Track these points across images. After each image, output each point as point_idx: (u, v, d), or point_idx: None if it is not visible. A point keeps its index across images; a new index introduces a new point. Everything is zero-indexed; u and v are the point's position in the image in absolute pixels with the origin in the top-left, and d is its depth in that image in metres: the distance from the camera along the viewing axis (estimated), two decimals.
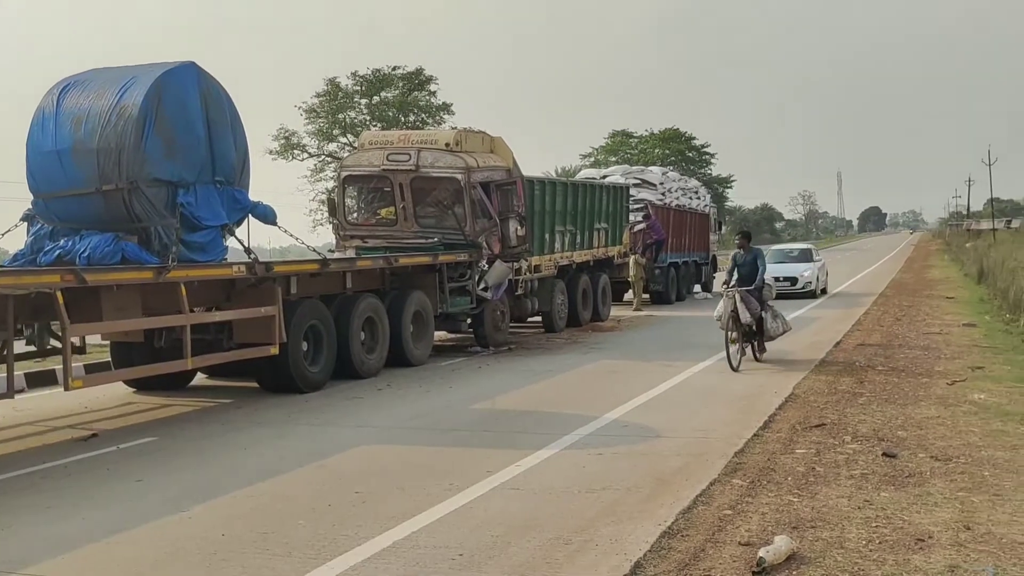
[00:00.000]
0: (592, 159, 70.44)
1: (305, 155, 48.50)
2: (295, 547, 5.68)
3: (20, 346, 9.80)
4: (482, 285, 15.53)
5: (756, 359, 13.24)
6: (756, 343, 13.33)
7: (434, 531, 5.91)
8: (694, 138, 78.14)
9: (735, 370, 12.28)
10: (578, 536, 5.74)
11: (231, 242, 11.46)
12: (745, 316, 12.66)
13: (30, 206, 10.57)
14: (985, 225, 74.48)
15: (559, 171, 66.01)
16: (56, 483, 7.53)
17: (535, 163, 72.52)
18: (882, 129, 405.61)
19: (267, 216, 11.69)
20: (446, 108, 49.31)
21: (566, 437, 8.57)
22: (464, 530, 5.91)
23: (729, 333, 12.63)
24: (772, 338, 13.39)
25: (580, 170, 44.47)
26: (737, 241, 14.13)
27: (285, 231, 12.70)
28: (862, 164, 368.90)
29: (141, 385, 12.03)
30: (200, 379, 12.90)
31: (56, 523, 6.37)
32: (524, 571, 5.18)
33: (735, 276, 13.31)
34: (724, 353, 12.60)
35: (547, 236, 18.34)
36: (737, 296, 12.70)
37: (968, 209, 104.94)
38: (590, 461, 7.69)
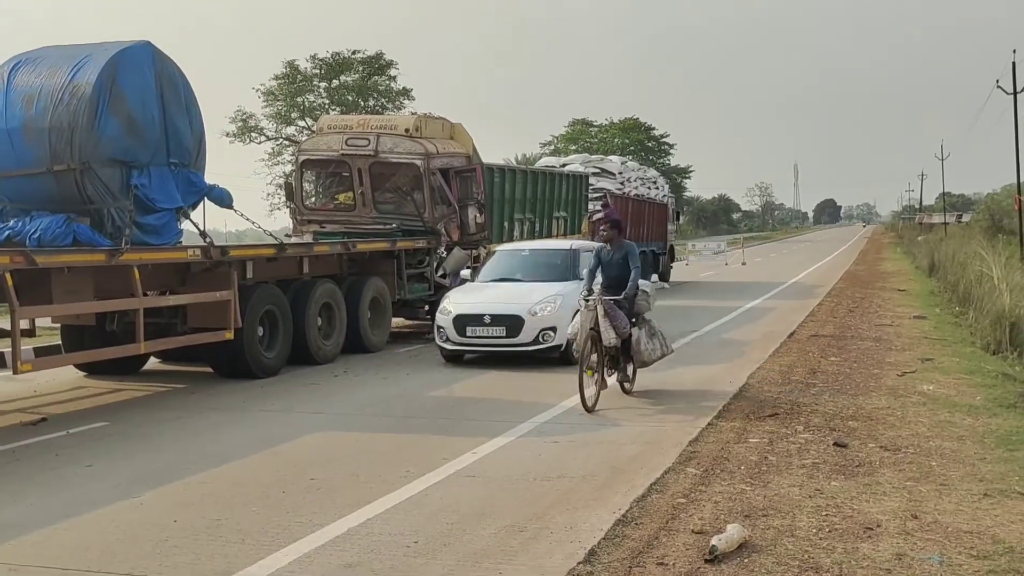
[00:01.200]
0: (552, 147, 70.56)
1: (263, 138, 48.02)
2: (248, 534, 5.64)
3: None
4: (440, 272, 15.49)
5: (625, 391, 9.99)
6: (623, 371, 9.90)
7: (389, 518, 5.90)
8: (653, 128, 78.69)
9: (589, 411, 9.02)
10: (533, 523, 5.76)
11: (186, 225, 11.33)
12: (609, 336, 9.34)
13: None
14: (937, 219, 75.71)
15: (519, 159, 66.10)
16: (3, 468, 7.40)
17: (495, 150, 72.51)
18: (838, 122, 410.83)
19: (223, 199, 11.56)
20: (406, 93, 49.08)
21: (523, 425, 8.59)
22: (419, 517, 5.90)
23: (586, 361, 9.24)
24: (646, 363, 10.02)
25: (540, 158, 44.48)
26: (602, 231, 10.32)
27: (241, 215, 12.60)
28: (818, 157, 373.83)
29: (92, 369, 11.85)
30: (153, 363, 12.74)
31: (3, 508, 6.26)
32: (479, 558, 5.19)
33: (598, 279, 9.92)
34: (680, 343, 12.41)
35: (506, 224, 18.35)
36: (600, 308, 9.38)
37: (920, 203, 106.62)
38: (546, 449, 7.71)
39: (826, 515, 5.79)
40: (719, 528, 5.46)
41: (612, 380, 9.86)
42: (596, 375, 9.42)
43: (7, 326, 8.97)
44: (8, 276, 8.44)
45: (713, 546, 5.10)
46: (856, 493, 6.25)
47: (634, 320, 9.81)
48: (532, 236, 19.50)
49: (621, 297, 9.55)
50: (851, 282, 27.77)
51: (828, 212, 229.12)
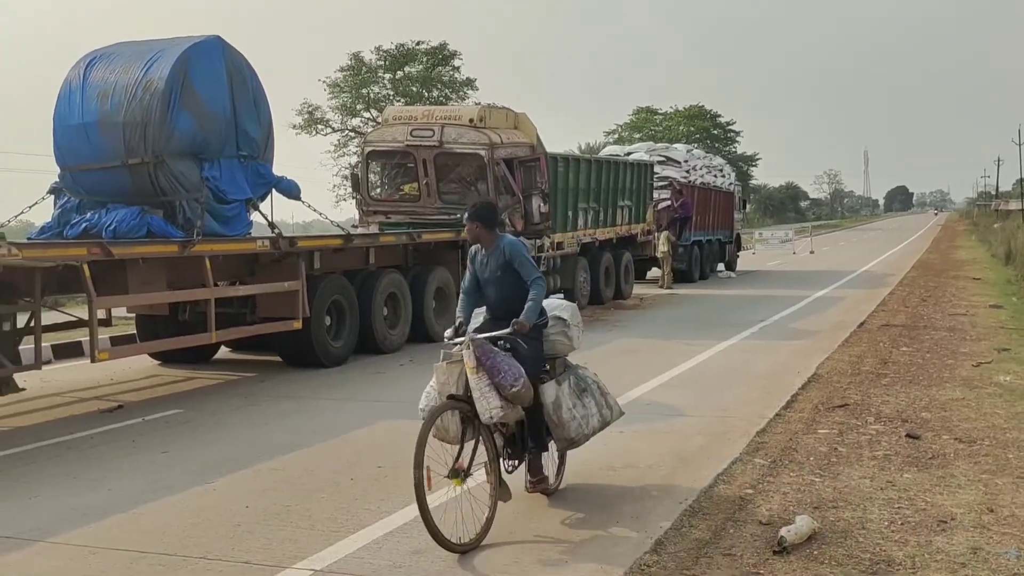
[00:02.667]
0: (616, 136, 70.09)
1: (329, 130, 48.47)
2: (317, 520, 5.73)
3: (48, 318, 9.89)
4: None
5: (544, 492, 6.07)
6: (535, 458, 5.93)
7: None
8: (719, 116, 77.60)
9: (458, 549, 5.12)
10: (599, 513, 5.75)
11: (255, 216, 11.51)
12: (488, 407, 5.37)
13: (57, 179, 10.63)
14: (1014, 205, 73.60)
15: (583, 148, 65.82)
16: (82, 454, 7.62)
17: (559, 140, 72.26)
18: (910, 107, 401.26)
19: (291, 191, 11.73)
20: (470, 84, 49.09)
21: None
22: None
23: (429, 454, 5.24)
24: (575, 442, 6.00)
25: (604, 147, 44.22)
26: (469, 228, 5.95)
27: (308, 206, 12.75)
28: (890, 143, 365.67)
29: (166, 358, 12.13)
30: (224, 352, 12.99)
31: (82, 493, 6.45)
32: (545, 547, 5.20)
33: (469, 307, 6.07)
34: (746, 332, 12.27)
35: (570, 213, 18.28)
36: (471, 355, 5.41)
37: (997, 189, 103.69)
38: (612, 439, 7.68)
39: (898, 507, 5.68)
40: (788, 519, 5.39)
41: (513, 472, 5.85)
42: (462, 481, 5.34)
43: (85, 316, 9.23)
44: (86, 267, 8.67)
45: (782, 537, 5.05)
46: (929, 485, 6.12)
47: (546, 368, 6.09)
48: (596, 225, 19.44)
49: (507, 332, 5.62)
50: (923, 270, 27.16)
51: (899, 199, 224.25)
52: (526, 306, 5.72)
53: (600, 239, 19.69)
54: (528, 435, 5.88)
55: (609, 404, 6.28)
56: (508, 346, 5.66)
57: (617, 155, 24.37)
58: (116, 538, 5.48)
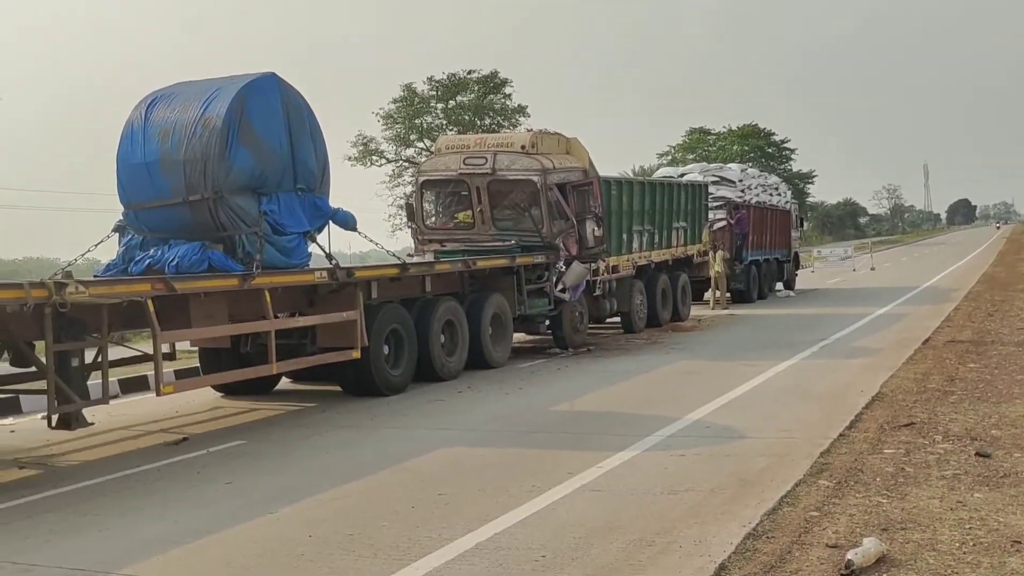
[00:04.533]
0: (669, 157, 69.78)
1: (383, 161, 49.06)
2: (380, 548, 5.76)
3: (114, 353, 10.10)
4: (560, 286, 15.52)
5: None
6: None
7: (516, 533, 5.92)
8: (773, 134, 76.87)
9: None
10: (661, 538, 5.70)
11: (312, 248, 11.67)
12: None
13: (121, 217, 10.89)
14: None
15: (636, 170, 65.59)
16: (149, 486, 7.76)
17: (611, 163, 71.99)
18: (971, 117, 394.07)
19: (347, 222, 11.88)
20: (521, 111, 49.37)
21: (647, 438, 8.51)
22: (546, 532, 5.91)
23: None
24: None
25: (657, 169, 44.11)
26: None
27: (365, 236, 12.90)
28: (950, 155, 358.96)
29: (229, 390, 12.33)
30: (285, 383, 13.15)
31: (149, 525, 6.57)
32: (607, 572, 5.16)
33: None
34: (807, 352, 12.13)
35: (625, 236, 18.25)
36: None
37: None
38: (672, 462, 7.62)
39: (969, 528, 5.54)
40: (855, 542, 5.28)
41: None
42: None
43: (150, 350, 9.42)
44: (150, 303, 8.87)
45: (849, 560, 4.95)
46: (1002, 505, 5.96)
47: None
48: (652, 248, 19.38)
49: None
50: (989, 285, 26.54)
51: (962, 212, 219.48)
52: None
53: (656, 261, 19.61)
54: None
55: None
56: None
57: (671, 177, 24.29)
58: (182, 569, 5.56)
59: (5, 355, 9.30)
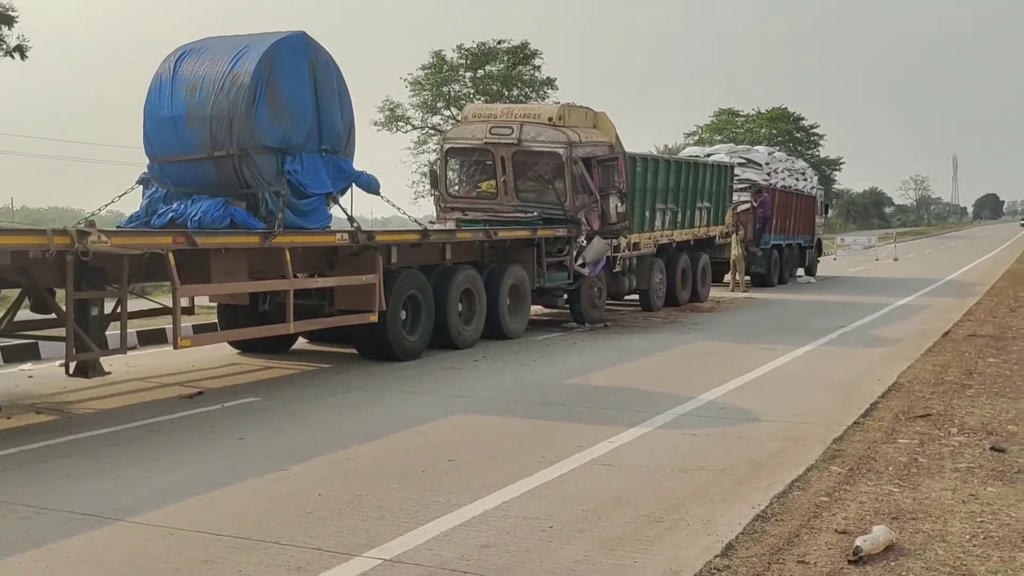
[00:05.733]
0: (696, 137, 69.35)
1: (409, 127, 48.94)
2: (388, 510, 5.78)
3: (133, 305, 10.16)
4: (580, 261, 15.48)
5: None
6: None
7: (525, 502, 5.94)
8: (803, 118, 76.18)
9: None
10: (669, 514, 5.69)
11: (334, 210, 11.67)
12: None
13: (146, 170, 10.91)
14: None
15: (662, 149, 65.25)
16: (165, 437, 7.82)
17: (638, 140, 71.61)
18: (1003, 111, 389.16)
19: (371, 186, 11.85)
20: (550, 83, 49.07)
21: (660, 416, 8.50)
22: (554, 503, 5.92)
23: None
24: None
25: (684, 148, 43.84)
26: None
27: (388, 201, 12.88)
28: (980, 149, 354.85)
29: (245, 347, 12.40)
30: (301, 343, 13.21)
31: (163, 475, 6.62)
32: (614, 546, 5.17)
33: None
34: (825, 338, 12.04)
35: (647, 213, 18.17)
36: None
37: None
38: (684, 441, 7.61)
39: (981, 521, 5.51)
40: (864, 529, 5.26)
41: None
42: None
43: (169, 303, 9.48)
44: (171, 256, 8.90)
45: (857, 547, 4.93)
46: (1014, 500, 5.91)
47: None
48: (674, 227, 19.29)
49: None
50: (1012, 280, 26.27)
51: (989, 207, 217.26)
52: None
53: (677, 240, 19.52)
54: None
55: None
56: None
57: (697, 156, 24.12)
58: (193, 520, 5.61)
59: (26, 301, 9.36)
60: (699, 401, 9.25)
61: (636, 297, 18.57)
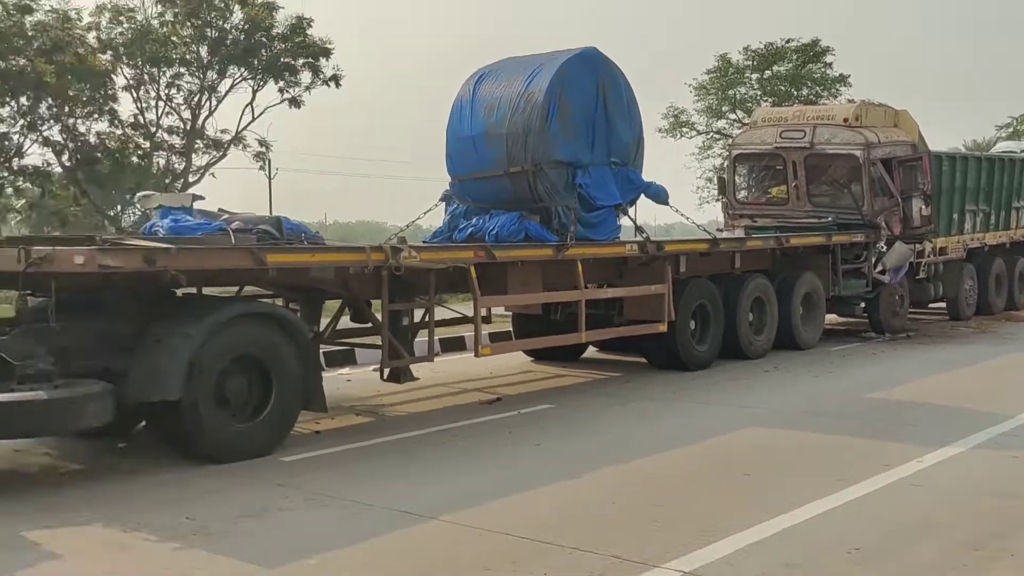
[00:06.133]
0: (1010, 130, 63.48)
1: (693, 133, 48.51)
2: (681, 522, 5.79)
3: (437, 314, 10.82)
4: (879, 267, 14.72)
5: None
6: None
7: (827, 521, 5.74)
8: None
9: None
10: (991, 542, 5.29)
11: (622, 220, 11.80)
12: None
13: (448, 187, 11.59)
14: None
15: (969, 145, 60.30)
16: (467, 441, 8.27)
17: (942, 137, 66.58)
18: None
19: (659, 196, 11.89)
20: (843, 80, 46.81)
21: (974, 435, 7.90)
22: (859, 524, 5.67)
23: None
24: None
25: (995, 142, 40.33)
26: None
27: (676, 211, 12.86)
28: None
29: (538, 355, 12.81)
30: (591, 352, 13.46)
31: (467, 476, 7.01)
32: (928, 573, 4.88)
33: None
34: None
35: (955, 216, 16.98)
36: None
37: None
38: (1004, 463, 7.03)
39: None
40: None
41: None
42: None
43: (470, 313, 10.01)
44: (472, 269, 9.41)
45: None
46: None
47: None
48: (986, 229, 17.87)
49: None
50: None
51: None
52: None
53: (990, 244, 18.08)
54: None
55: None
56: None
57: (1012, 151, 22.13)
58: (497, 521, 5.89)
59: (346, 311, 10.22)
60: (1018, 420, 8.50)
61: (942, 305, 17.36)
